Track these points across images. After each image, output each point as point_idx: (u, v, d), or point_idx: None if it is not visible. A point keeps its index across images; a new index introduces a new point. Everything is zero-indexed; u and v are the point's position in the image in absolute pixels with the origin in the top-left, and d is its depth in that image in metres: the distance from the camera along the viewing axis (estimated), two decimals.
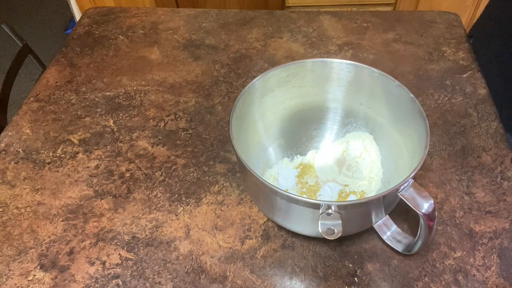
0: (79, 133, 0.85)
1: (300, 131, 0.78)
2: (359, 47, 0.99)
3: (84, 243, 0.68)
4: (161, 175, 0.77)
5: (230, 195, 0.74)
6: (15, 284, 0.64)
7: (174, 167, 0.78)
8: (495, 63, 0.96)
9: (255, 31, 1.06)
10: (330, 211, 0.54)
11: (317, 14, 1.10)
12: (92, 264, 0.66)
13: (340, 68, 0.69)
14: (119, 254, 0.67)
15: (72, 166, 0.79)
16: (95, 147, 0.82)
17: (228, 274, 0.64)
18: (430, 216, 0.54)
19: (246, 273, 0.64)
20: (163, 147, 0.82)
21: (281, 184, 0.73)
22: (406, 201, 0.54)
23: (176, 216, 0.71)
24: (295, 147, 0.78)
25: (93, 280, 0.64)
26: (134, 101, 0.91)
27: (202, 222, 0.70)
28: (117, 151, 0.81)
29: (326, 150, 0.78)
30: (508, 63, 0.94)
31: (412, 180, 0.54)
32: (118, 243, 0.68)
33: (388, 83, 0.66)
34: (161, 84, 0.94)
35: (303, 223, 0.61)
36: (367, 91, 0.70)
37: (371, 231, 0.66)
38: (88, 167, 0.79)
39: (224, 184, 0.75)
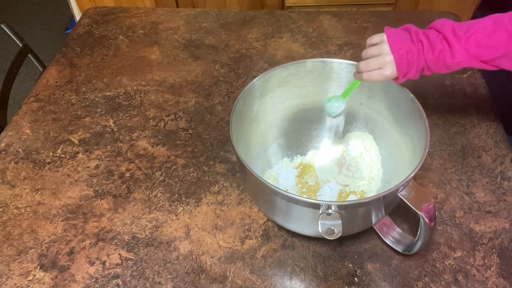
0: (79, 133, 0.85)
1: (300, 131, 0.78)
2: (359, 47, 0.99)
3: (84, 243, 0.68)
4: (161, 175, 0.77)
5: (230, 195, 0.74)
6: (15, 284, 0.64)
7: (174, 167, 0.78)
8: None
9: (255, 31, 1.06)
10: (330, 211, 0.54)
11: (317, 14, 1.10)
12: (92, 264, 0.66)
13: (340, 68, 0.69)
14: (119, 254, 0.67)
15: (72, 166, 0.79)
16: (95, 147, 0.82)
17: (228, 274, 0.64)
18: (430, 216, 0.54)
19: (246, 273, 0.64)
20: (163, 147, 0.82)
21: (281, 184, 0.73)
22: (406, 201, 0.54)
23: (176, 216, 0.71)
24: (295, 147, 0.78)
25: (93, 280, 0.64)
26: (134, 101, 0.91)
27: (202, 222, 0.70)
28: (117, 151, 0.81)
29: (326, 150, 0.78)
30: None
31: (412, 180, 0.54)
32: (118, 243, 0.68)
33: (388, 83, 0.66)
34: (161, 84, 0.94)
35: (303, 223, 0.61)
36: (367, 91, 0.70)
37: (371, 231, 0.66)
38: (88, 167, 0.79)
39: (224, 184, 0.75)
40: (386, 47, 0.61)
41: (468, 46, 0.57)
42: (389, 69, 0.61)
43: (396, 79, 0.62)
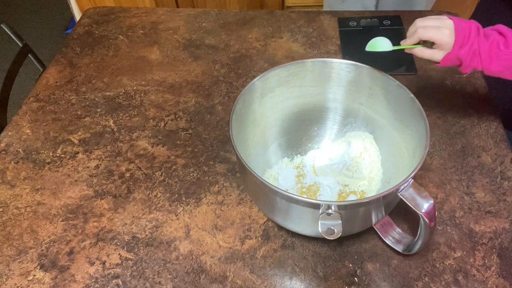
0: (79, 133, 0.85)
1: (300, 131, 0.78)
2: None
3: (84, 243, 0.68)
4: (161, 175, 0.77)
5: (230, 195, 0.74)
6: (15, 284, 0.64)
7: (174, 167, 0.78)
8: None
9: (255, 31, 1.06)
10: (330, 211, 0.54)
11: (317, 14, 1.09)
12: (92, 264, 0.66)
13: (340, 68, 0.69)
14: (119, 254, 0.67)
15: (72, 166, 0.79)
16: (95, 147, 0.82)
17: (228, 274, 0.64)
18: (430, 216, 0.54)
19: (246, 273, 0.64)
20: (163, 147, 0.82)
21: (281, 184, 0.73)
22: (406, 201, 0.54)
23: (176, 216, 0.71)
24: (295, 147, 0.78)
25: (93, 280, 0.64)
26: (134, 101, 0.91)
27: (202, 222, 0.70)
28: (117, 151, 0.81)
29: (326, 150, 0.78)
30: None
31: (412, 180, 0.54)
32: (118, 243, 0.68)
33: (388, 83, 0.66)
34: (161, 84, 0.94)
35: (303, 223, 0.61)
36: (367, 91, 0.70)
37: (371, 231, 0.66)
38: (88, 167, 0.79)
39: (224, 184, 0.75)
40: (445, 18, 0.62)
41: None
42: (447, 31, 0.61)
43: (445, 56, 0.62)
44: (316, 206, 0.54)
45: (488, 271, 0.63)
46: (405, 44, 0.65)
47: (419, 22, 0.63)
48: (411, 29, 0.65)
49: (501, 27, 0.61)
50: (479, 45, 0.60)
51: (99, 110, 0.89)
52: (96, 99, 0.91)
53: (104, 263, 0.66)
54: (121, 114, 0.88)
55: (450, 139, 0.80)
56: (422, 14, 1.07)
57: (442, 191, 0.73)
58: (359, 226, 0.63)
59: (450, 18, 0.62)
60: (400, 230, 0.65)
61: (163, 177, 0.77)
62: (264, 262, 0.65)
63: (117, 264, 0.66)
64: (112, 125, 0.86)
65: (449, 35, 0.60)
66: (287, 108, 0.75)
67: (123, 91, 0.93)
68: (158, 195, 0.74)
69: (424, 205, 0.53)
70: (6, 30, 1.12)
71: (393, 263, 0.65)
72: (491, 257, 0.64)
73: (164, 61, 0.99)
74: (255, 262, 0.65)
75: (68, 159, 0.80)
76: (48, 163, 0.80)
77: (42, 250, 0.68)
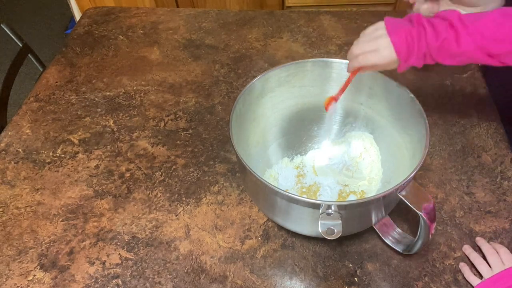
0: (79, 133, 0.85)
1: (300, 131, 0.78)
2: None
3: (84, 243, 0.68)
4: (161, 175, 0.77)
5: (230, 195, 0.74)
6: (15, 284, 0.64)
7: (174, 167, 0.78)
8: None
9: (255, 31, 1.06)
10: (330, 211, 0.54)
11: (317, 14, 1.09)
12: (92, 264, 0.66)
13: (340, 68, 0.69)
14: (119, 254, 0.67)
15: (72, 166, 0.79)
16: (95, 147, 0.82)
17: (228, 274, 0.64)
18: (430, 216, 0.54)
19: (246, 273, 0.64)
20: (163, 147, 0.82)
21: (281, 184, 0.73)
22: (406, 201, 0.54)
23: (176, 216, 0.71)
24: (295, 147, 0.78)
25: (93, 280, 0.64)
26: (134, 101, 0.91)
27: (202, 222, 0.70)
28: (117, 151, 0.81)
29: (326, 150, 0.78)
30: None
31: (412, 180, 0.54)
32: (118, 243, 0.68)
33: (388, 83, 0.66)
34: (161, 84, 0.94)
35: (303, 223, 0.61)
36: (367, 91, 0.70)
37: (371, 231, 0.66)
38: (88, 167, 0.79)
39: (224, 184, 0.75)
40: (382, 31, 0.57)
41: (475, 35, 0.53)
42: (387, 50, 0.56)
43: (398, 66, 0.58)
44: (316, 206, 0.54)
45: None
46: (349, 70, 0.62)
47: (356, 50, 0.59)
48: (350, 57, 0.61)
49: (450, 15, 0.55)
50: (428, 46, 0.55)
51: (99, 110, 0.89)
52: (96, 99, 0.91)
53: (104, 263, 0.66)
54: (121, 114, 0.88)
55: (450, 139, 0.80)
56: None
57: (442, 191, 0.73)
58: (359, 226, 0.63)
59: (387, 33, 0.56)
60: (400, 230, 0.65)
61: (163, 177, 0.77)
62: (264, 262, 0.65)
63: (117, 264, 0.66)
64: (112, 125, 0.86)
65: (390, 53, 0.57)
66: (287, 108, 0.75)
67: (123, 91, 0.93)
68: (158, 195, 0.74)
69: (424, 205, 0.53)
70: (6, 30, 1.12)
71: (393, 263, 0.65)
72: None
73: (164, 61, 1.00)
74: (255, 262, 0.65)
75: (68, 159, 0.80)
76: (48, 163, 0.80)
77: (42, 250, 0.68)
